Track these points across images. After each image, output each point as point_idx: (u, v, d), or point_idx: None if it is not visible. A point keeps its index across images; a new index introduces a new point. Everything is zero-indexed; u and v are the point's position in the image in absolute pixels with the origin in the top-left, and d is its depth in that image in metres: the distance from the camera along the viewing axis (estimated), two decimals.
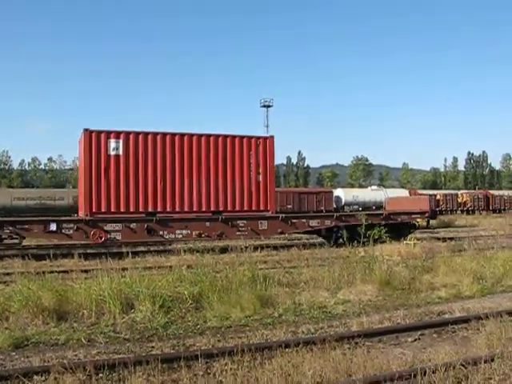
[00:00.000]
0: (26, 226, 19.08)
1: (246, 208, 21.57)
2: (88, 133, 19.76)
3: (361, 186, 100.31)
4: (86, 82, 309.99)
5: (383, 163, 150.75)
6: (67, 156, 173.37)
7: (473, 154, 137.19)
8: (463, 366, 5.97)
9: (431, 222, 26.56)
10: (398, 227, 23.28)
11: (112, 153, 19.92)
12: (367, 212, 25.83)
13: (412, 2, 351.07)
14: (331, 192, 48.34)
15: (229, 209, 21.36)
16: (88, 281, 10.11)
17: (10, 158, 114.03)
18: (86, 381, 5.80)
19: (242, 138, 21.80)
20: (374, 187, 64.47)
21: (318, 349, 6.79)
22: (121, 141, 20.08)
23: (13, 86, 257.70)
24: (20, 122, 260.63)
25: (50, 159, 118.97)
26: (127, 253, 14.47)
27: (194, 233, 20.47)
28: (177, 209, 20.72)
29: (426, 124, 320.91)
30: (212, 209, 21.21)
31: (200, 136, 21.24)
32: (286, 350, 6.75)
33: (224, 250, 17.30)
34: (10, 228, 19.00)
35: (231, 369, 6.08)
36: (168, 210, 20.60)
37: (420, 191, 68.13)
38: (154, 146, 20.47)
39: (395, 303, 10.40)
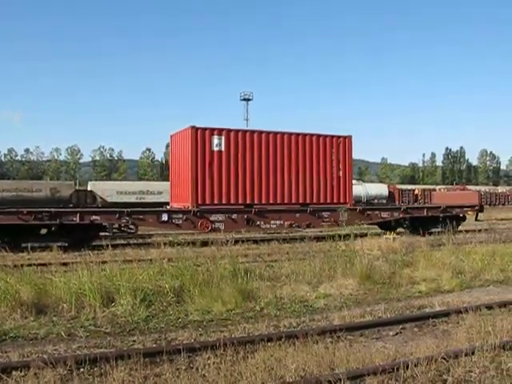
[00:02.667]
0: (141, 217, 20.60)
1: (328, 201, 23.74)
2: (194, 129, 21.30)
3: None
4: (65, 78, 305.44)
5: (362, 158, 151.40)
6: (45, 147, 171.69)
7: (450, 150, 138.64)
8: (444, 359, 6.02)
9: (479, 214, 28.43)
10: (450, 219, 24.96)
11: (215, 149, 21.58)
12: (428, 205, 28.14)
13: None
14: None
15: (314, 201, 23.43)
16: (67, 274, 9.99)
17: None
18: (66, 376, 5.72)
19: (325, 136, 23.86)
20: (353, 181, 64.71)
21: (301, 343, 6.79)
22: (223, 137, 21.76)
23: None
24: None
25: (26, 150, 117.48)
26: (107, 246, 14.32)
27: (286, 223, 22.38)
28: (271, 201, 22.63)
29: (405, 119, 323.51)
30: (300, 201, 23.21)
31: (290, 134, 23.16)
32: (269, 343, 6.73)
33: (205, 244, 17.25)
34: (127, 218, 20.26)
35: (214, 363, 6.04)
36: (263, 202, 22.50)
37: (398, 186, 68.69)
38: (251, 143, 22.31)
39: (376, 297, 10.45)
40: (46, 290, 9.13)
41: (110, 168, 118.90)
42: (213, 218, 21.26)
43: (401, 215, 24.99)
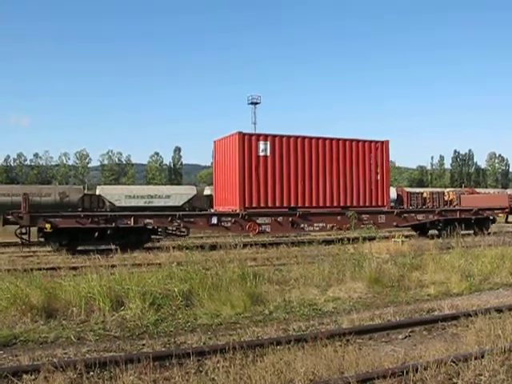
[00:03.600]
0: (192, 220, 21.47)
1: (367, 204, 24.54)
2: (241, 135, 22.17)
3: None
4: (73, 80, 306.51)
5: None
6: (54, 152, 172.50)
7: (459, 153, 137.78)
8: (454, 362, 6.00)
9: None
10: (481, 221, 26.60)
11: (261, 154, 22.42)
12: (461, 208, 28.60)
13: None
14: None
15: (354, 204, 24.21)
16: (77, 278, 10.07)
17: None
18: (76, 379, 5.74)
19: (364, 142, 24.69)
20: None
21: (310, 346, 6.78)
22: (268, 143, 22.57)
23: None
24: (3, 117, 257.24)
25: (35, 155, 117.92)
26: (116, 249, 14.39)
27: (328, 225, 23.13)
28: (313, 204, 23.41)
29: (413, 123, 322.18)
30: (341, 204, 24.02)
31: (331, 140, 24.01)
32: (278, 347, 6.74)
33: (213, 247, 17.27)
34: (178, 221, 20.96)
35: (223, 366, 6.05)
36: (306, 205, 23.23)
37: (407, 189, 68.44)
38: (295, 148, 23.11)
39: (385, 300, 10.44)
40: (55, 293, 9.19)
41: (119, 172, 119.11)
42: (260, 220, 22.01)
43: (435, 217, 25.76)
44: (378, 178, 24.76)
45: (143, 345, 7.29)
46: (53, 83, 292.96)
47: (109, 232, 19.81)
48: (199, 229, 22.60)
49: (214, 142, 25.01)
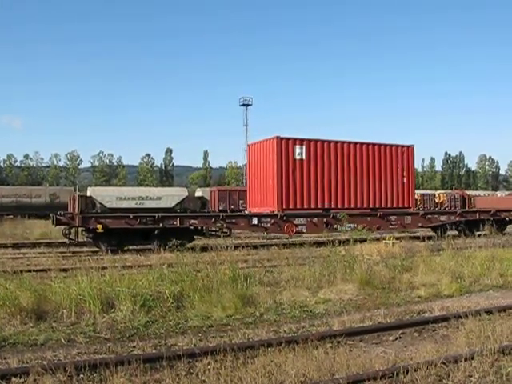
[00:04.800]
0: (234, 221, 22.44)
1: (394, 205, 25.58)
2: (279, 140, 22.97)
3: None
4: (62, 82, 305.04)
5: None
6: (44, 153, 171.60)
7: (450, 155, 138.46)
8: (444, 363, 6.02)
9: None
10: (498, 222, 28.09)
11: (297, 157, 23.19)
12: (480, 209, 29.63)
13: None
14: None
15: (383, 206, 25.21)
16: (67, 280, 10.01)
17: None
18: (66, 382, 5.71)
19: (391, 146, 25.72)
20: None
21: (301, 348, 6.79)
22: (304, 147, 23.39)
23: None
24: None
25: (26, 156, 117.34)
26: (106, 251, 14.34)
27: (359, 226, 23.28)
28: (345, 206, 24.27)
29: (404, 125, 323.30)
30: (371, 206, 24.95)
31: (361, 144, 24.96)
32: (269, 349, 6.73)
33: (204, 249, 17.25)
34: (221, 222, 21.89)
35: (214, 368, 6.03)
36: (339, 206, 24.08)
37: None
38: (328, 152, 24.00)
39: (376, 302, 10.46)
40: (45, 296, 9.13)
41: (110, 174, 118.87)
42: (296, 221, 22.95)
43: (457, 218, 27.18)
44: (404, 180, 25.82)
45: (134, 347, 7.26)
46: (45, 85, 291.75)
47: (156, 232, 20.65)
48: (241, 229, 23.56)
49: (248, 146, 26.09)
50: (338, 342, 7.26)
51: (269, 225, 22.54)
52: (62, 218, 19.99)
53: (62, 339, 7.59)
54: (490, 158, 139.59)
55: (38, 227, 31.92)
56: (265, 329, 8.07)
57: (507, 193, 70.80)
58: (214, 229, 22.17)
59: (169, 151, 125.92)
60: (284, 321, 8.81)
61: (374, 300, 10.65)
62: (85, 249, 21.48)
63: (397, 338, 7.72)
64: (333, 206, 24.01)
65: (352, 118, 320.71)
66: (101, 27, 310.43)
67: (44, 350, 7.14)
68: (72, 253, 19.56)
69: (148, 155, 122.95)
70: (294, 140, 23.49)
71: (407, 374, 5.68)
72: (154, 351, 6.99)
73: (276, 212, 22.79)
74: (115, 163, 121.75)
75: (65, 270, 12.16)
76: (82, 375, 5.88)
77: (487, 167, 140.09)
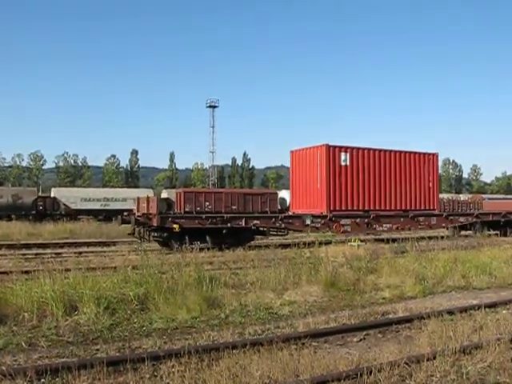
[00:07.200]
0: (291, 221, 24.47)
1: (422, 207, 28.09)
2: (328, 147, 25.25)
3: None
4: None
5: None
6: (7, 153, 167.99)
7: None
8: (407, 364, 6.09)
9: None
10: (508, 223, 31.19)
11: (342, 164, 25.52)
12: (493, 212, 32.15)
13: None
14: (276, 193, 48.67)
15: (412, 208, 27.64)
16: (29, 282, 9.79)
17: None
18: None
19: (420, 154, 28.36)
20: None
21: (266, 350, 6.78)
22: (348, 154, 25.79)
23: None
24: None
25: None
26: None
27: (394, 226, 26.65)
28: (382, 207, 26.75)
29: (370, 126, 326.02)
30: (403, 208, 27.38)
31: (395, 152, 27.49)
32: (234, 351, 6.71)
33: (169, 251, 17.14)
34: (280, 222, 23.87)
35: (178, 371, 5.99)
36: (377, 208, 26.59)
37: None
38: (368, 158, 26.40)
39: (340, 304, 10.53)
40: (6, 298, 8.95)
41: (74, 174, 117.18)
42: (343, 221, 25.27)
43: (474, 219, 29.93)
44: (430, 185, 28.39)
45: (97, 350, 7.16)
46: (7, 83, 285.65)
47: (224, 232, 22.31)
48: (296, 229, 25.08)
49: (291, 152, 27.85)
50: (303, 344, 7.29)
51: (319, 225, 24.68)
52: (140, 218, 21.73)
53: (23, 343, 7.42)
54: (453, 161, 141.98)
55: None
56: (230, 331, 8.04)
57: (470, 196, 72.33)
58: (274, 228, 24.06)
59: (134, 152, 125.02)
60: (249, 323, 8.79)
61: (339, 302, 10.73)
62: (48, 250, 21.12)
63: (361, 339, 7.79)
64: (372, 208, 26.34)
65: (307, 123, 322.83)
66: (59, 26, 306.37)
67: (3, 354, 6.95)
68: (35, 254, 19.21)
69: (113, 156, 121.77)
70: (340, 148, 25.81)
71: (371, 374, 5.73)
72: (117, 354, 6.91)
73: (325, 213, 24.94)
74: (80, 164, 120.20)
75: (27, 272, 11.90)
76: (43, 380, 5.77)
77: (451, 171, 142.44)
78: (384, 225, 26.44)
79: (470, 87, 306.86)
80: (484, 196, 57.07)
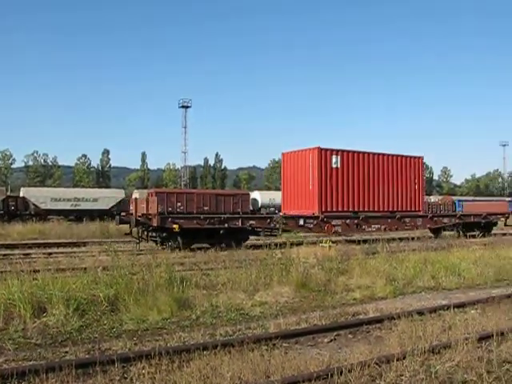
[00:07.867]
0: (285, 221, 24.73)
1: (408, 209, 28.98)
2: (319, 150, 25.85)
3: (278, 189, 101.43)
4: None
5: None
6: None
7: None
8: (377, 364, 6.14)
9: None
10: (487, 224, 32.88)
11: (333, 166, 26.18)
12: (474, 213, 33.23)
13: None
14: (248, 194, 48.78)
15: (399, 209, 28.52)
16: None
17: None
18: None
19: (406, 157, 29.25)
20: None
21: (237, 351, 6.77)
22: (339, 157, 26.41)
23: None
24: None
25: None
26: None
27: (382, 227, 27.46)
28: (371, 209, 27.56)
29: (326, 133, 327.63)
30: (390, 209, 28.30)
31: (383, 155, 28.31)
32: (204, 352, 6.69)
33: (140, 252, 17.00)
34: (275, 222, 24.42)
35: (149, 372, 5.95)
36: (365, 209, 27.36)
37: None
38: (358, 161, 27.12)
39: (311, 305, 10.57)
40: None
41: (44, 174, 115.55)
42: (334, 222, 26.00)
43: (456, 220, 31.28)
44: (416, 187, 29.26)
45: (66, 352, 7.06)
46: None
47: (221, 232, 22.86)
48: (290, 229, 24.62)
49: (283, 154, 28.32)
50: (274, 345, 7.29)
51: (312, 225, 25.33)
52: (140, 218, 22.06)
53: None
54: (424, 163, 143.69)
55: None
56: (201, 332, 8.00)
57: (440, 197, 73.33)
58: (268, 228, 24.53)
59: (106, 152, 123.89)
60: (220, 324, 8.77)
61: (310, 302, 10.77)
62: (16, 251, 20.78)
63: (332, 340, 7.83)
64: (361, 209, 27.08)
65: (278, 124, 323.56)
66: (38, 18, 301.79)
67: None
68: (3, 255, 18.88)
69: (84, 156, 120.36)
70: (331, 150, 26.39)
71: (341, 375, 5.76)
72: (87, 356, 6.83)
73: (317, 214, 25.51)
74: (50, 163, 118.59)
75: None
76: None
77: None
78: (373, 225, 27.17)
79: (441, 93, 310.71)
80: (454, 198, 57.69)
